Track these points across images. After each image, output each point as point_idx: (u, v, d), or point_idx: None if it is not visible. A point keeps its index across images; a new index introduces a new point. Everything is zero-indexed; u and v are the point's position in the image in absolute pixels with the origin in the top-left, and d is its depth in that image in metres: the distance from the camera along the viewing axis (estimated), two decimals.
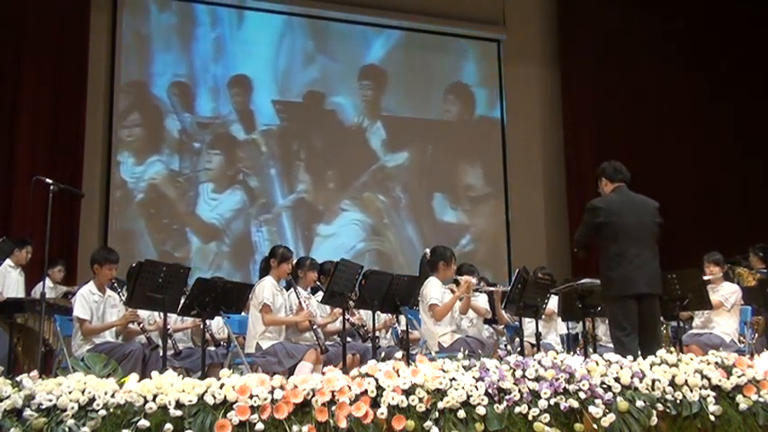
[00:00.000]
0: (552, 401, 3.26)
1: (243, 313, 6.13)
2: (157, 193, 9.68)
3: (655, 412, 3.35)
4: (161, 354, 5.02)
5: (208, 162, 9.93)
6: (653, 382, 3.49)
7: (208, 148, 9.96)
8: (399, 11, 10.86)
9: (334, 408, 3.05)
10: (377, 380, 3.16)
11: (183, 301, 5.24)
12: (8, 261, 7.27)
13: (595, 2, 11.42)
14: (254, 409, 2.99)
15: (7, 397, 2.92)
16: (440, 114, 11.20)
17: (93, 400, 2.94)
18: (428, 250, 6.47)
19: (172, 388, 3.00)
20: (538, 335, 6.19)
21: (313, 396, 3.07)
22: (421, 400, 3.14)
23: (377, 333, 6.21)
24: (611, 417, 3.26)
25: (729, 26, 11.47)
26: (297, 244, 9.90)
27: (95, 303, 5.43)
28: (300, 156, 10.38)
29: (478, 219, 11.17)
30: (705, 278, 6.29)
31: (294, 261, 6.13)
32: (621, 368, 3.51)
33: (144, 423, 2.89)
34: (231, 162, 10.02)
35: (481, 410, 3.16)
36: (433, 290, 5.97)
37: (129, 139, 9.66)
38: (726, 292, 6.50)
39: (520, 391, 3.26)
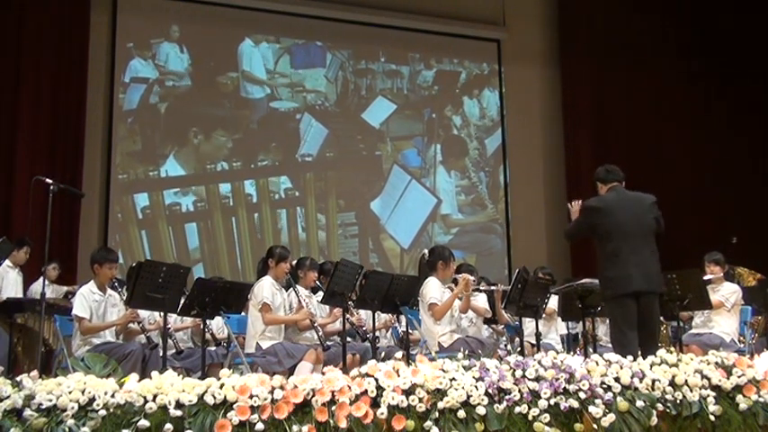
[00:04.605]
0: (552, 401, 3.26)
1: (242, 313, 6.12)
2: (157, 194, 9.67)
3: (655, 412, 3.35)
4: (161, 353, 5.01)
5: (208, 162, 9.94)
6: (653, 382, 3.49)
7: (207, 148, 9.97)
8: (399, 11, 10.85)
9: (334, 408, 3.05)
10: (377, 380, 3.16)
11: (183, 301, 5.24)
12: (7, 261, 7.28)
13: (595, 2, 11.42)
14: (254, 409, 2.98)
15: (7, 397, 2.92)
16: (440, 114, 11.20)
17: (93, 400, 2.94)
18: (426, 251, 6.47)
19: (172, 388, 3.00)
20: (538, 335, 6.19)
21: (313, 396, 3.06)
22: (421, 400, 3.14)
23: (377, 333, 6.21)
24: (611, 417, 3.26)
25: (729, 25, 11.47)
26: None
27: (95, 303, 5.43)
28: (309, 159, 10.40)
29: (478, 218, 11.18)
30: (706, 278, 6.29)
31: (293, 261, 6.12)
32: (621, 368, 3.51)
33: (144, 423, 2.88)
34: (232, 160, 10.04)
35: (481, 410, 3.16)
36: (433, 289, 5.97)
37: (129, 139, 9.65)
38: (726, 292, 6.50)
39: (520, 391, 3.25)
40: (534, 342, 6.20)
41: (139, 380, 3.09)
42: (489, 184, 11.32)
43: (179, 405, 2.96)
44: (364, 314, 6.30)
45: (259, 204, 10.11)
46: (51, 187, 5.22)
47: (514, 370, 3.34)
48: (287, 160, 10.33)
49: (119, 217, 9.49)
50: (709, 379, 3.57)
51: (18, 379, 3.05)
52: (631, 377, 3.46)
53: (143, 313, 5.61)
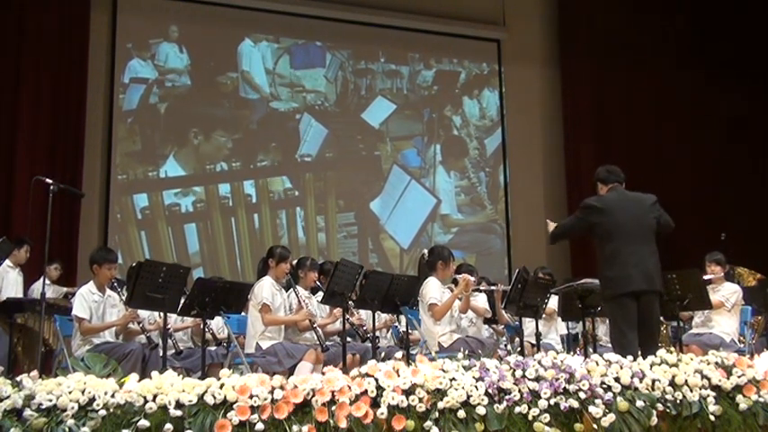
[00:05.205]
0: (552, 401, 3.25)
1: (243, 313, 6.13)
2: (157, 194, 9.67)
3: (655, 412, 3.35)
4: (161, 353, 5.01)
5: (208, 162, 9.94)
6: (653, 382, 3.48)
7: (207, 149, 9.96)
8: (399, 11, 10.85)
9: (334, 408, 3.04)
10: (377, 380, 3.15)
11: (182, 301, 5.24)
12: (7, 261, 7.28)
13: (595, 2, 11.42)
14: (254, 409, 2.98)
15: (7, 397, 2.92)
16: (440, 114, 11.20)
17: (93, 400, 2.94)
18: (426, 251, 6.47)
19: (172, 388, 3.00)
20: (538, 335, 6.19)
21: (313, 396, 3.06)
22: (421, 400, 3.14)
23: (377, 333, 6.21)
24: (611, 417, 3.26)
25: (729, 25, 11.47)
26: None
27: (95, 303, 5.43)
28: (307, 159, 10.41)
29: (478, 218, 11.18)
30: (706, 278, 6.29)
31: (294, 261, 6.12)
32: (621, 368, 3.50)
33: (144, 423, 2.88)
34: (231, 160, 10.03)
35: (481, 410, 3.15)
36: (432, 289, 5.97)
37: (129, 139, 9.65)
38: (727, 292, 6.50)
39: (520, 391, 3.25)
40: (534, 342, 6.20)
41: (139, 380, 3.09)
42: (489, 185, 11.32)
43: (179, 405, 2.96)
44: (364, 314, 6.31)
45: (258, 205, 10.10)
46: (51, 187, 5.23)
47: (514, 370, 3.34)
48: (286, 160, 10.33)
49: (118, 218, 9.48)
50: (709, 379, 3.57)
51: (18, 379, 3.05)
52: (631, 377, 3.46)
53: (143, 313, 5.61)
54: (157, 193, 9.68)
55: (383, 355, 5.89)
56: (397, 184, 10.83)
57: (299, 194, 10.32)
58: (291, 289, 5.87)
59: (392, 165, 10.85)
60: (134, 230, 9.54)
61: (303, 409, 3.04)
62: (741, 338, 6.59)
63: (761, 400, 3.56)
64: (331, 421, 3.01)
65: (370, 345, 5.90)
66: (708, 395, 3.50)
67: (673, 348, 4.43)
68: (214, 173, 9.95)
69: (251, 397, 3.00)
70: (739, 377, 3.60)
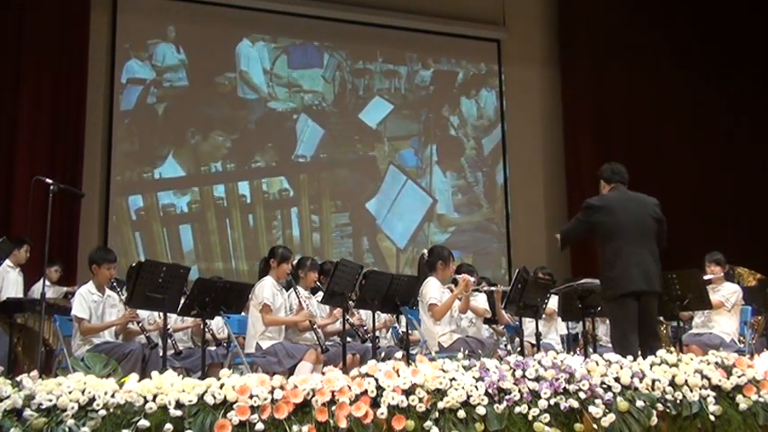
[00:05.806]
0: (552, 401, 3.26)
1: (243, 313, 6.13)
2: (152, 195, 9.66)
3: (655, 412, 3.35)
4: (161, 353, 5.01)
5: (205, 163, 9.94)
6: (653, 382, 3.49)
7: (205, 149, 9.96)
8: (398, 11, 10.85)
9: (334, 408, 3.05)
10: (377, 380, 3.16)
11: (183, 301, 5.24)
12: (7, 261, 7.27)
13: (595, 2, 11.42)
14: (254, 409, 2.98)
15: (7, 397, 2.92)
16: (437, 114, 11.20)
17: (93, 400, 2.94)
18: (426, 251, 6.48)
19: (172, 388, 3.00)
20: (538, 335, 6.19)
21: (313, 396, 3.06)
22: (421, 400, 3.14)
23: (377, 333, 6.20)
24: (611, 417, 3.26)
25: (729, 26, 11.47)
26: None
27: (94, 303, 5.43)
28: (303, 160, 10.41)
29: (475, 218, 11.17)
30: (706, 278, 6.30)
31: (294, 261, 6.13)
32: (621, 368, 3.51)
33: (144, 423, 2.88)
34: (230, 161, 10.03)
35: (481, 410, 3.16)
36: (432, 289, 5.97)
37: (127, 140, 9.65)
38: (727, 292, 6.51)
39: (520, 391, 3.25)
40: (534, 342, 6.20)
41: (139, 380, 3.09)
42: (486, 184, 11.30)
43: (179, 405, 2.96)
44: (364, 314, 6.31)
45: (253, 205, 10.06)
46: (51, 187, 5.23)
47: (514, 370, 3.34)
48: (284, 161, 10.31)
49: (114, 219, 9.45)
50: (709, 379, 3.57)
51: (18, 379, 3.05)
52: (631, 377, 3.46)
53: (143, 313, 5.61)
54: (152, 194, 9.65)
55: (383, 355, 5.89)
56: (394, 184, 10.81)
57: (295, 195, 10.29)
58: (292, 289, 5.88)
59: (389, 165, 10.83)
60: (129, 231, 9.52)
61: (303, 409, 3.04)
62: (741, 338, 6.59)
63: (761, 400, 3.56)
64: (331, 421, 3.01)
65: (370, 345, 5.90)
66: (708, 395, 3.50)
67: (673, 348, 4.43)
68: (209, 174, 9.92)
69: (251, 397, 3.00)
70: (739, 377, 3.60)
